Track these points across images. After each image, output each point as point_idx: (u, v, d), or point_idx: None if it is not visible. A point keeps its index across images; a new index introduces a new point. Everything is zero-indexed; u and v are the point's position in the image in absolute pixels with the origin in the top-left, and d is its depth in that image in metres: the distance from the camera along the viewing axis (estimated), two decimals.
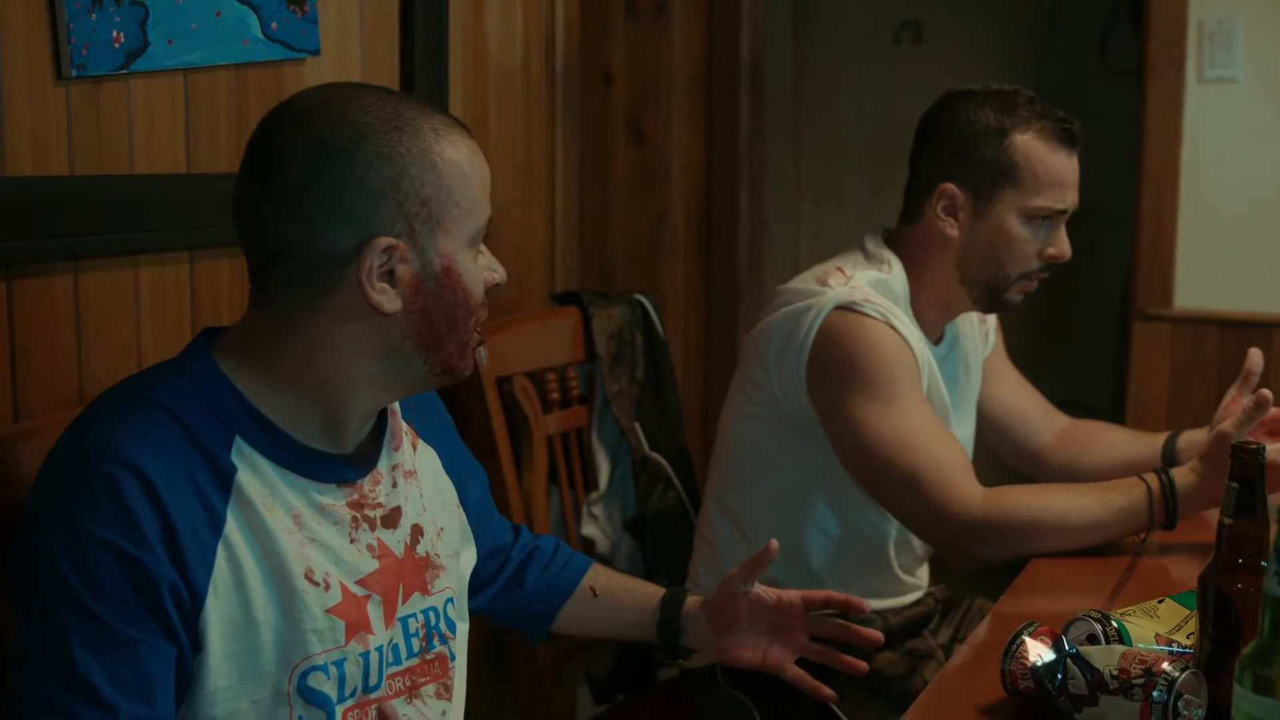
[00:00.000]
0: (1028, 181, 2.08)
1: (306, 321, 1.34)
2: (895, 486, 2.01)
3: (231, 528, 1.30)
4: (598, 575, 1.80)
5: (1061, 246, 2.12)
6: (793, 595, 1.70)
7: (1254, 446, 1.37)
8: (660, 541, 2.54)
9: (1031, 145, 2.08)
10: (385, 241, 1.31)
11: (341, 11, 2.12)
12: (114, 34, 1.73)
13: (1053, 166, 2.08)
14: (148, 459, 1.26)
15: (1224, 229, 3.06)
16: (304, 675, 1.34)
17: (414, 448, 1.53)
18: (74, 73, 1.69)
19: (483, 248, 1.41)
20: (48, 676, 1.22)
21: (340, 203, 1.30)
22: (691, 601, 1.74)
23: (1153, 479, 1.92)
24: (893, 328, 2.03)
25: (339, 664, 1.36)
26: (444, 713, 1.50)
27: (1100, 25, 4.13)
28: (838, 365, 2.03)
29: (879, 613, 2.19)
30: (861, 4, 4.43)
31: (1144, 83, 3.09)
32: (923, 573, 2.31)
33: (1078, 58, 4.20)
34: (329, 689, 1.35)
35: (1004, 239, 2.10)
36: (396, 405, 1.51)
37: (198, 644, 1.28)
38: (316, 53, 2.05)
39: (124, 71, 1.75)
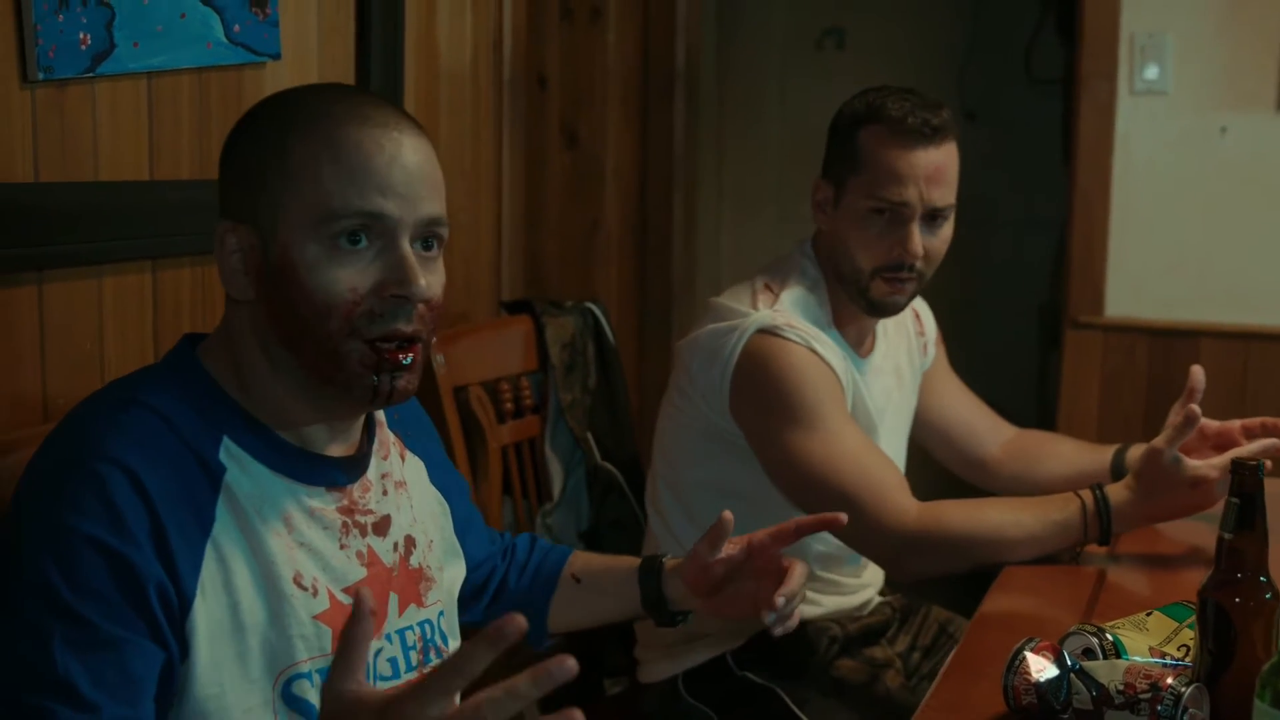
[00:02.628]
0: (867, 172, 2.06)
1: (228, 309, 1.36)
2: (829, 508, 2.01)
3: (221, 527, 1.26)
4: (577, 561, 1.75)
5: (907, 244, 2.05)
6: (761, 538, 1.61)
7: (1254, 463, 1.38)
8: (614, 552, 2.52)
9: (875, 136, 2.05)
10: (226, 223, 1.31)
11: (300, 15, 2.08)
12: (81, 35, 1.68)
13: (890, 158, 2.04)
14: (135, 456, 1.22)
15: (1153, 239, 3.11)
16: (289, 683, 1.30)
17: (402, 458, 1.49)
18: (40, 75, 1.63)
19: (409, 250, 1.29)
20: (27, 678, 1.17)
21: (222, 189, 1.33)
22: (671, 566, 1.66)
23: (1088, 495, 1.94)
24: (814, 351, 2.03)
25: (323, 672, 1.31)
26: None
27: (1025, 34, 4.18)
28: (761, 391, 2.02)
29: (835, 620, 2.20)
30: (784, 10, 4.46)
31: (1076, 94, 3.14)
32: (869, 575, 2.31)
33: (1001, 65, 4.25)
34: (313, 697, 1.31)
35: (852, 230, 2.09)
36: (382, 415, 1.48)
37: (185, 649, 1.23)
38: (277, 56, 2.00)
39: (90, 75, 1.70)
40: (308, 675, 1.31)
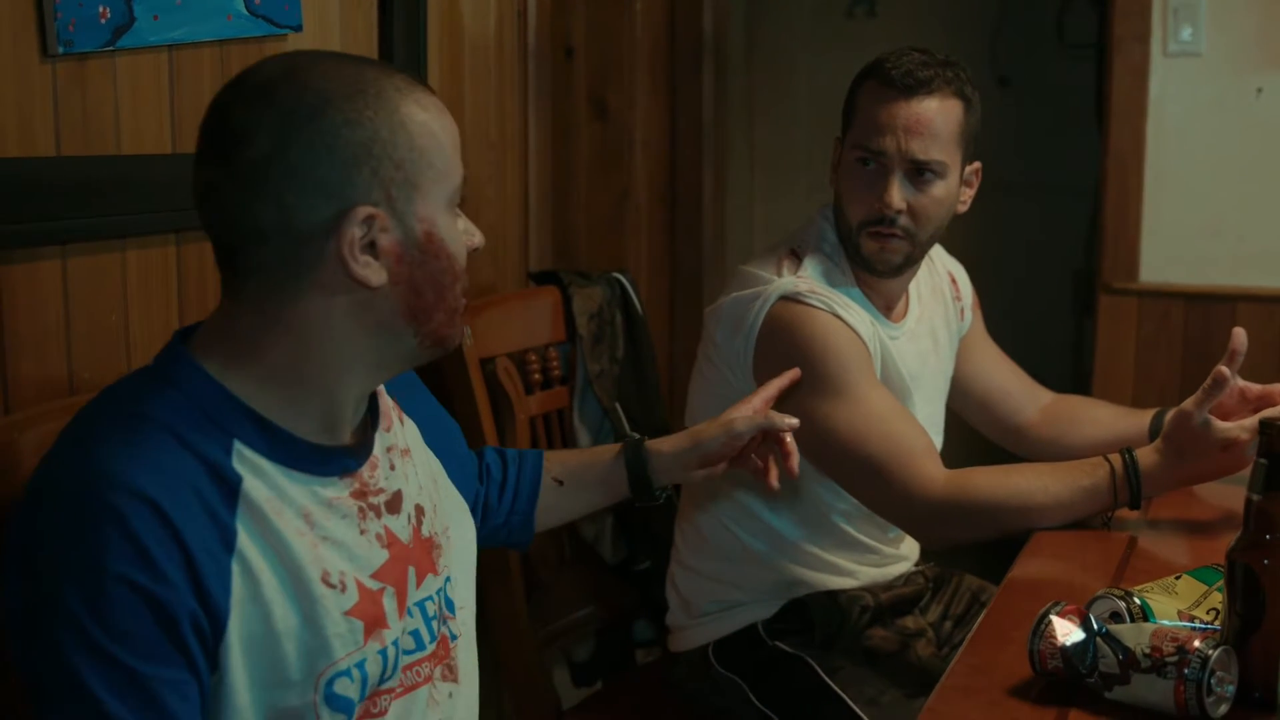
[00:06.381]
0: (856, 124, 2.07)
1: (288, 306, 1.27)
2: (857, 476, 2.01)
3: (243, 540, 1.23)
4: (554, 464, 1.79)
5: (884, 195, 2.03)
6: (762, 408, 1.79)
7: None
8: (644, 523, 2.53)
9: (867, 89, 2.06)
10: (364, 211, 1.24)
11: None
12: (100, 9, 1.68)
13: (873, 108, 2.04)
14: (153, 483, 1.18)
15: (1188, 203, 3.07)
16: (330, 682, 1.29)
17: (402, 423, 1.48)
18: (60, 50, 1.63)
19: (458, 210, 1.35)
20: None
21: (312, 175, 1.23)
22: (654, 447, 1.77)
23: (1116, 459, 1.91)
24: (838, 316, 2.02)
25: (360, 665, 1.31)
26: (450, 694, 1.46)
27: None
28: (785, 358, 2.00)
29: (868, 589, 2.19)
30: None
31: (1109, 57, 3.10)
32: (906, 546, 2.30)
33: (1033, 31, 4.21)
34: (352, 692, 1.31)
35: (845, 184, 2.09)
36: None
37: (215, 665, 1.22)
38: (299, 28, 2.00)
39: (110, 48, 1.70)
40: (346, 672, 1.30)
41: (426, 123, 1.29)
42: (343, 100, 1.24)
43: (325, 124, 1.23)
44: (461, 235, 1.34)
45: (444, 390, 2.22)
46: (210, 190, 1.27)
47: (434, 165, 1.29)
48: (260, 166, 1.23)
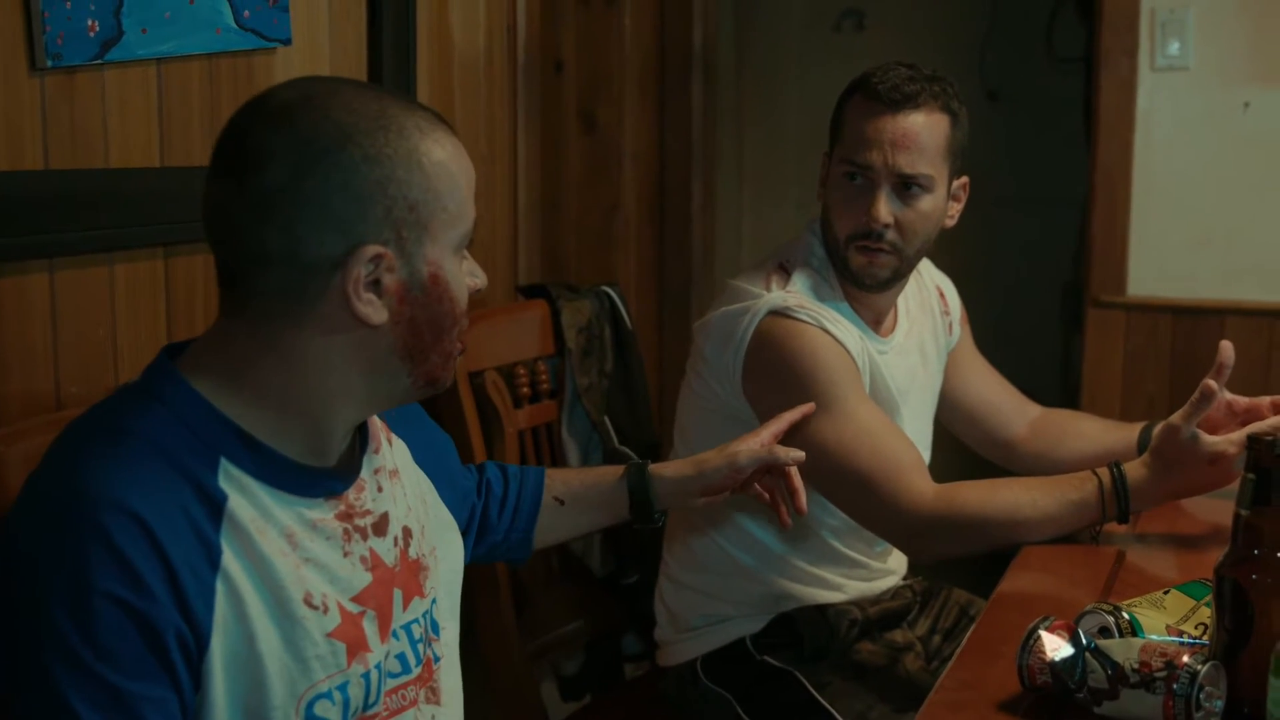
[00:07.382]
0: (844, 138, 2.07)
1: (285, 333, 1.26)
2: (845, 490, 2.00)
3: (228, 559, 1.22)
4: (555, 484, 1.80)
5: (871, 209, 2.03)
6: (770, 442, 1.80)
7: (1270, 438, 1.37)
8: (632, 536, 2.52)
9: (854, 104, 2.07)
10: (372, 250, 1.24)
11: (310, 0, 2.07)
12: (89, 23, 1.68)
13: (860, 123, 2.04)
14: (139, 499, 1.17)
15: (1176, 216, 3.08)
16: (310, 705, 1.28)
17: (390, 443, 1.47)
18: (49, 63, 1.63)
19: (465, 252, 1.34)
20: None
21: (326, 208, 1.22)
22: (656, 472, 1.78)
23: (1105, 473, 1.91)
24: (826, 331, 2.02)
25: (342, 688, 1.31)
26: (434, 717, 1.45)
27: (1046, 12, 4.15)
28: (773, 373, 2.01)
29: (855, 603, 2.19)
30: None
31: (1096, 70, 3.11)
32: (894, 561, 2.30)
33: (1021, 45, 4.22)
34: (333, 715, 1.30)
35: (832, 198, 2.09)
36: None
37: (198, 684, 1.21)
38: (288, 42, 2.00)
39: (98, 61, 1.70)
40: (328, 694, 1.29)
41: (444, 163, 1.28)
42: (363, 135, 1.24)
43: (345, 158, 1.23)
44: (465, 277, 1.33)
45: (433, 404, 2.22)
46: (219, 208, 1.26)
47: (447, 209, 1.28)
48: (273, 193, 1.22)
